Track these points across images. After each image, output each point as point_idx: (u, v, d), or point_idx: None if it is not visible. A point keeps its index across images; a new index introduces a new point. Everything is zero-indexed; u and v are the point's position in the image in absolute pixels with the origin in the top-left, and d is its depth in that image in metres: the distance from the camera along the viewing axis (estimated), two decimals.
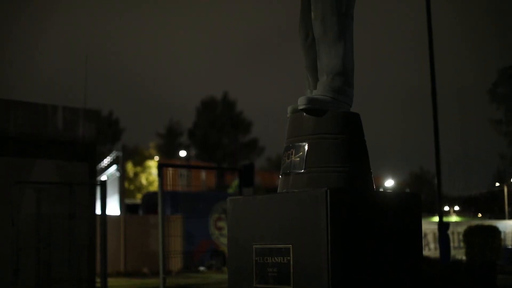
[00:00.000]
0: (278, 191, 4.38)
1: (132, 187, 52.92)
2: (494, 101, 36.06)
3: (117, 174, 29.44)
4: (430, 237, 28.73)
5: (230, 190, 39.31)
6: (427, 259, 18.37)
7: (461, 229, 27.75)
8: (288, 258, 3.94)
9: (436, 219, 22.70)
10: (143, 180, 54.57)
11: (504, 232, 28.30)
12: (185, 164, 50.39)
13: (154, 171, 51.68)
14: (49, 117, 14.48)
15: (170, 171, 13.63)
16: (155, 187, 47.55)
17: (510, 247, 25.45)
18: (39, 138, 14.22)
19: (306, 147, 4.24)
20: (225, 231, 20.37)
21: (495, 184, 60.20)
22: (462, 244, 26.37)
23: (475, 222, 29.56)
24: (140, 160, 55.19)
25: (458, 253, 26.56)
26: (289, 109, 4.48)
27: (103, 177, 27.86)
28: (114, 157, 30.42)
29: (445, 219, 21.71)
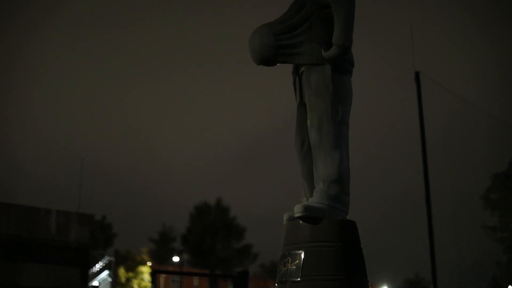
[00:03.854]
0: None
1: None
2: (488, 207, 36.03)
3: (109, 279, 29.09)
4: None
5: None
6: None
7: None
8: None
9: None
10: (136, 286, 53.66)
11: None
12: (178, 270, 49.73)
13: (146, 276, 50.93)
14: (42, 220, 14.43)
15: (163, 277, 13.46)
16: None
17: None
18: (31, 241, 14.13)
19: (303, 255, 4.21)
20: None
21: None
22: None
23: None
24: (132, 266, 54.43)
25: None
26: (285, 216, 4.48)
27: (95, 282, 27.47)
28: (106, 262, 30.12)
29: None
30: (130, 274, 53.94)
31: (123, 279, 52.28)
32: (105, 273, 29.42)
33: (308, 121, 4.53)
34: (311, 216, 4.27)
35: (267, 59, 4.58)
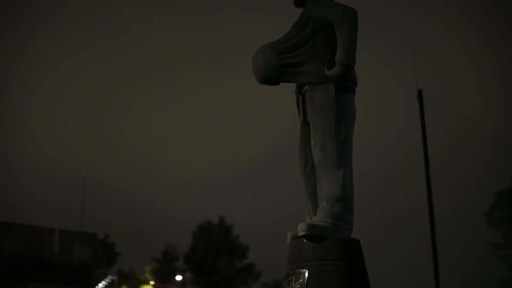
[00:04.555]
0: None
1: None
2: (491, 224, 35.94)
3: None
4: None
5: None
6: None
7: None
8: None
9: None
10: None
11: None
12: None
13: None
14: (45, 239, 14.44)
15: None
16: None
17: None
18: (35, 261, 14.13)
19: (307, 274, 4.20)
20: None
21: None
22: None
23: None
24: (135, 285, 54.39)
25: None
26: (289, 235, 4.47)
27: None
28: (109, 281, 30.04)
29: None
30: None
31: None
32: None
33: (312, 140, 4.54)
34: (314, 234, 4.26)
35: (271, 78, 4.60)
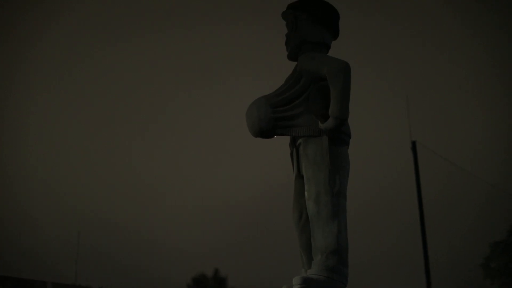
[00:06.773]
0: None
1: None
2: (488, 276, 35.71)
3: None
4: None
5: None
6: None
7: None
8: None
9: None
10: None
11: None
12: None
13: None
14: None
15: None
16: None
17: None
18: None
19: None
20: None
21: None
22: None
23: None
24: None
25: None
26: None
27: None
28: None
29: None
30: None
31: None
32: None
33: (306, 193, 4.54)
34: (309, 287, 4.23)
35: (265, 131, 4.62)
